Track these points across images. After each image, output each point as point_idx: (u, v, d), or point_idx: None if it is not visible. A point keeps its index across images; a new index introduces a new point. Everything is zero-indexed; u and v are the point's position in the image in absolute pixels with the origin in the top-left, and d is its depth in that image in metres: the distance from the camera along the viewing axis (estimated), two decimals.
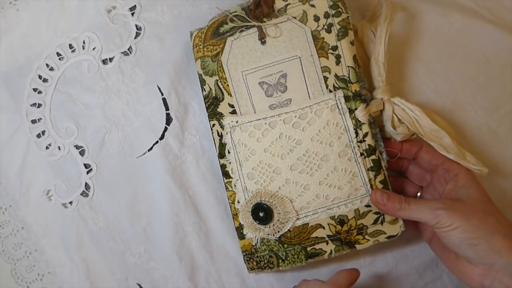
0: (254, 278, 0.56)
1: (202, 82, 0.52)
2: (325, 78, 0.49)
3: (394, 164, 0.52)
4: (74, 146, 0.56)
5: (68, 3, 0.56)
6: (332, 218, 0.50)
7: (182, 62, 0.56)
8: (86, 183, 0.56)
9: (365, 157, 0.49)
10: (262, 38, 0.50)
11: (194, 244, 0.56)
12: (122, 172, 0.56)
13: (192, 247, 0.56)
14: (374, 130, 0.50)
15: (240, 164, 0.51)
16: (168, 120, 0.56)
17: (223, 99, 0.51)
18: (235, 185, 0.52)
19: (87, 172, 0.56)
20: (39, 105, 0.56)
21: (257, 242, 0.51)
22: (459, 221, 0.44)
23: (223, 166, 0.52)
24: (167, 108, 0.56)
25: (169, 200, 0.55)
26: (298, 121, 0.49)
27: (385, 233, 0.50)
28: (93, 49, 0.56)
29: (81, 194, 0.56)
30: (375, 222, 0.50)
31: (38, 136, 0.56)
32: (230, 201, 0.52)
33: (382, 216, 0.49)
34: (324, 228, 0.50)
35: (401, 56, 0.55)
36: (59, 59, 0.57)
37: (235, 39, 0.50)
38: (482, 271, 0.44)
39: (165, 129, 0.56)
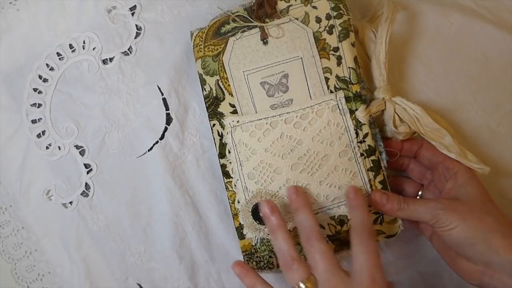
0: None
1: (203, 82, 0.52)
2: (326, 79, 0.49)
3: (395, 162, 0.52)
4: (74, 146, 0.56)
5: (68, 3, 0.56)
6: (332, 218, 0.50)
7: (182, 62, 0.56)
8: (86, 183, 0.56)
9: (365, 158, 0.49)
10: (264, 39, 0.50)
11: (194, 244, 0.56)
12: (122, 172, 0.56)
13: (192, 247, 0.56)
14: (373, 130, 0.50)
15: (240, 164, 0.51)
16: (168, 120, 0.56)
17: (224, 99, 0.51)
18: (235, 185, 0.52)
19: (87, 172, 0.56)
20: (39, 105, 0.56)
21: (257, 242, 0.51)
22: (457, 221, 0.44)
23: (223, 166, 0.52)
24: (167, 108, 0.56)
25: (169, 200, 0.55)
26: (299, 121, 0.49)
27: (384, 233, 0.50)
28: (93, 49, 0.56)
29: (81, 194, 0.56)
30: (375, 222, 0.50)
31: (38, 136, 0.56)
32: (230, 201, 0.52)
33: (381, 216, 0.50)
34: (324, 228, 0.50)
35: (401, 56, 0.55)
36: (59, 59, 0.56)
37: (237, 39, 0.50)
38: (481, 268, 0.44)
39: (165, 129, 0.56)
